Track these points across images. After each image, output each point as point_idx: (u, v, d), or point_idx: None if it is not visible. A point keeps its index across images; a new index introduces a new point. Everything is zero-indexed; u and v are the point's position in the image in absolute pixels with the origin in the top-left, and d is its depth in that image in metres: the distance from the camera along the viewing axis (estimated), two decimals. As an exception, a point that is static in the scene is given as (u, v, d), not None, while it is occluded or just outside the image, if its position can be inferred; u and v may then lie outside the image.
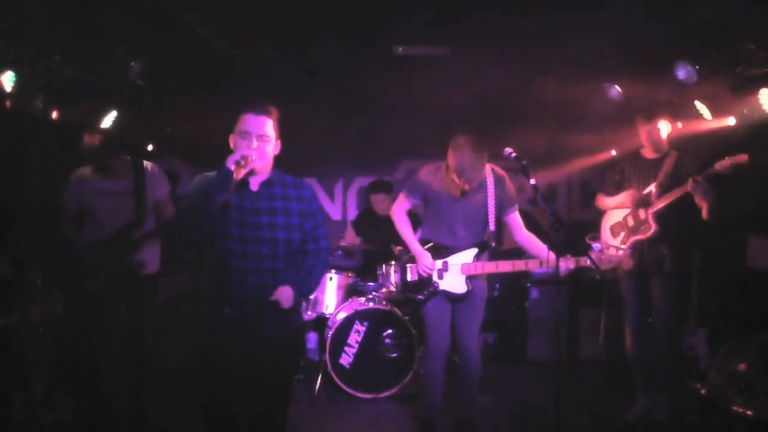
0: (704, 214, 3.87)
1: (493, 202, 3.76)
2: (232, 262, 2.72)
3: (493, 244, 3.80)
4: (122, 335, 3.97)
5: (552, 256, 3.37)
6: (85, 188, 3.96)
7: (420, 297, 3.81)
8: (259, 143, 2.72)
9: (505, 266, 3.76)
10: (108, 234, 3.90)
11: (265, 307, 2.74)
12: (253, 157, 2.68)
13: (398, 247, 4.24)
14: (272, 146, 2.79)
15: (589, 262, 3.48)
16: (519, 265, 3.73)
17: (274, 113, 2.78)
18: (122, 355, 4.03)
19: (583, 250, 3.50)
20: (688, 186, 3.83)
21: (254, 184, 2.80)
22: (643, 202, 4.09)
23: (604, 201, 4.38)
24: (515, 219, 3.84)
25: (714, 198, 3.80)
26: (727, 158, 3.73)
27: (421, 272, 3.80)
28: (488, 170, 3.77)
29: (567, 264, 3.51)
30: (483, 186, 3.76)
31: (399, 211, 3.93)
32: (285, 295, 2.76)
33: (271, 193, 2.81)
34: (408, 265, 3.92)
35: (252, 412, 2.87)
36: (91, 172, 4.00)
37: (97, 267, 3.85)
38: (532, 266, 3.70)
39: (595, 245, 3.56)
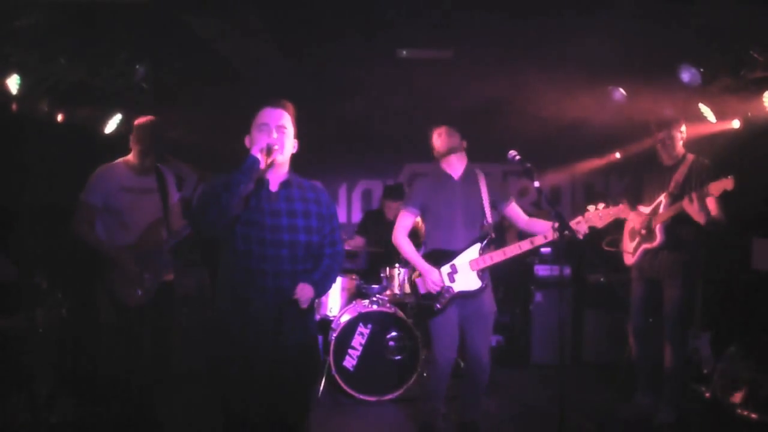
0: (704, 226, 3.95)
1: (487, 197, 3.81)
2: (251, 265, 2.62)
3: (493, 235, 3.81)
4: (149, 343, 3.84)
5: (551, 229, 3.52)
6: (116, 183, 3.73)
7: (437, 306, 3.77)
8: (279, 134, 2.66)
9: (513, 250, 3.71)
10: (135, 234, 3.75)
11: (284, 311, 2.64)
12: (276, 147, 2.62)
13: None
14: (291, 141, 2.73)
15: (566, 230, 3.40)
16: (525, 245, 3.68)
17: (290, 108, 2.74)
18: (145, 362, 3.87)
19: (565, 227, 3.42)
20: (684, 204, 3.93)
21: (273, 185, 2.72)
22: (636, 235, 4.23)
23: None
24: (514, 209, 3.90)
25: (708, 216, 3.89)
26: (715, 182, 3.79)
27: (430, 288, 3.79)
28: (478, 170, 3.88)
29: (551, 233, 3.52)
30: (475, 181, 3.84)
31: (401, 232, 3.92)
32: (305, 293, 2.65)
33: (290, 195, 2.74)
34: (416, 279, 3.91)
35: (270, 422, 2.74)
36: (122, 168, 3.79)
37: (141, 277, 3.70)
38: (538, 242, 3.66)
39: (578, 218, 3.61)
